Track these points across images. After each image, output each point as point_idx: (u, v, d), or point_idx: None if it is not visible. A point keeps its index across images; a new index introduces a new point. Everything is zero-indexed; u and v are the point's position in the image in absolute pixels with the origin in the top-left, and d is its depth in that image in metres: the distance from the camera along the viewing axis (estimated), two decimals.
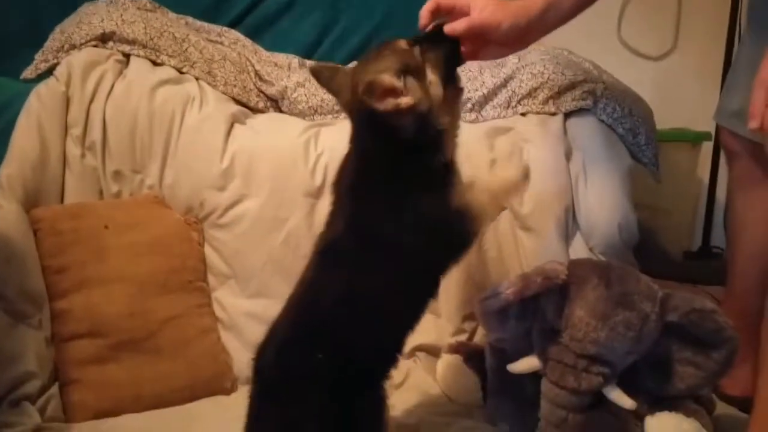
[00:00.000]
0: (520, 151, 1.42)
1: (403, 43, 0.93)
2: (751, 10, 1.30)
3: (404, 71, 0.88)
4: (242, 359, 1.24)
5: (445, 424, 1.15)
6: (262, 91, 1.55)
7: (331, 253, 0.93)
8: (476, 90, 1.51)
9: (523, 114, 1.50)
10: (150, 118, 1.38)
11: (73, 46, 1.42)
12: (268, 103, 1.56)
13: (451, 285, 1.39)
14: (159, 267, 1.28)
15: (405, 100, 0.86)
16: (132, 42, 1.44)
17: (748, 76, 1.02)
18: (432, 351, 1.36)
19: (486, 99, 1.51)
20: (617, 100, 1.46)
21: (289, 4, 1.73)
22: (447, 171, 0.92)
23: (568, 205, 1.41)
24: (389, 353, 0.95)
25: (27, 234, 1.22)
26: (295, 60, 1.64)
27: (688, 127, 2.03)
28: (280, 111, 1.56)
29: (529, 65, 1.50)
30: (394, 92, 0.86)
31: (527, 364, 1.07)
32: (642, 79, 1.76)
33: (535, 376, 1.07)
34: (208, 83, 1.47)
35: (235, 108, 1.46)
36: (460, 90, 1.00)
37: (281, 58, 1.63)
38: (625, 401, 1.01)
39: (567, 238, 1.41)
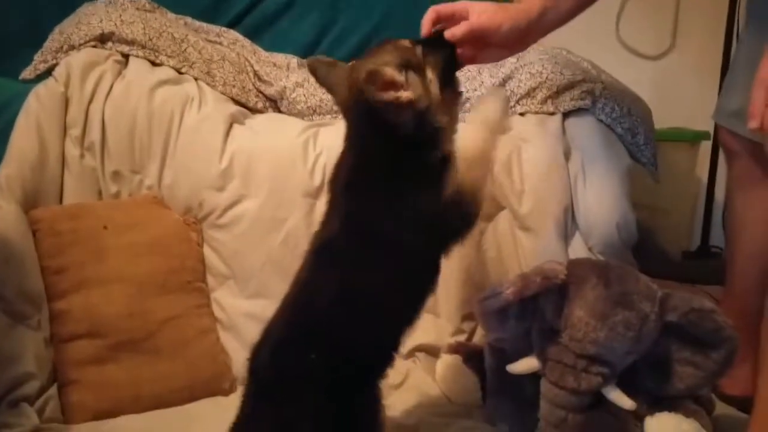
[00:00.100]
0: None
1: (405, 42, 0.93)
2: (750, 9, 1.30)
3: (406, 66, 0.88)
4: (241, 360, 1.22)
5: (444, 424, 1.15)
6: (261, 92, 1.55)
7: (326, 252, 0.93)
8: (475, 90, 1.51)
9: (521, 114, 1.50)
10: (149, 119, 1.38)
11: (72, 47, 1.41)
12: (267, 104, 1.56)
13: (450, 285, 1.39)
14: (158, 267, 1.28)
15: (405, 94, 0.86)
16: (131, 42, 1.44)
17: (747, 76, 1.02)
18: (431, 351, 1.36)
19: None
20: (616, 99, 1.46)
21: (288, 4, 1.73)
22: (443, 165, 0.91)
23: (567, 205, 1.41)
24: (386, 352, 0.95)
25: (26, 234, 1.22)
26: (293, 60, 1.64)
27: (686, 127, 2.03)
28: (279, 111, 1.56)
29: (528, 65, 1.50)
30: (394, 85, 0.86)
31: (527, 364, 1.07)
32: (640, 79, 1.76)
33: (534, 377, 1.07)
34: (207, 83, 1.47)
35: (234, 108, 1.46)
36: (459, 93, 1.00)
37: (280, 58, 1.63)
38: (625, 401, 1.01)
39: (566, 237, 1.41)
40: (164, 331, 1.24)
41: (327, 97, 1.49)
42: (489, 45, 1.02)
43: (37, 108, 1.34)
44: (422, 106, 0.89)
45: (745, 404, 1.12)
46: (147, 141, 1.38)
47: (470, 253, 1.40)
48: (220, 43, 1.59)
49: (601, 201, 1.39)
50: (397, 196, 0.89)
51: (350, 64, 0.97)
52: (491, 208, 1.44)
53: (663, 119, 1.76)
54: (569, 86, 1.47)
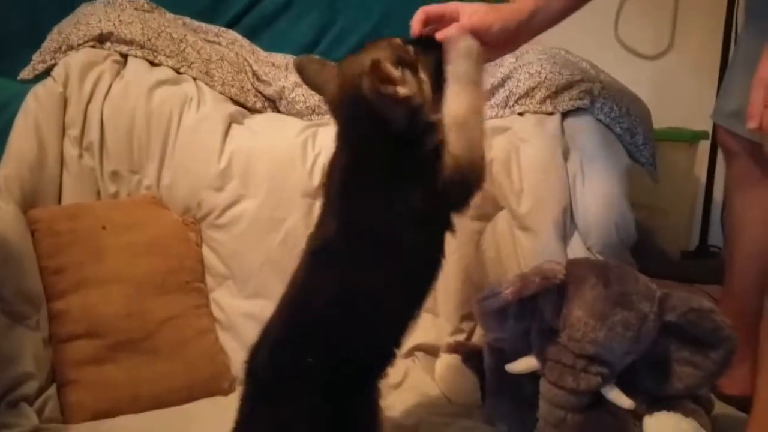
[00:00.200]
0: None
1: (398, 40, 0.93)
2: (749, 9, 1.30)
3: (400, 63, 0.88)
4: (240, 360, 1.21)
5: (443, 424, 1.15)
6: (259, 92, 1.55)
7: (324, 253, 0.92)
8: None
9: (520, 114, 1.50)
10: (147, 119, 1.38)
11: (71, 47, 1.41)
12: (266, 103, 1.56)
13: (449, 285, 1.39)
14: (157, 267, 1.28)
15: (403, 90, 0.86)
16: (129, 42, 1.44)
17: (745, 75, 1.02)
18: (430, 351, 1.36)
19: None
20: (614, 99, 1.46)
21: (286, 4, 1.73)
22: (436, 154, 0.89)
23: (566, 205, 1.41)
24: (386, 352, 0.94)
25: (24, 235, 1.22)
26: (292, 60, 1.64)
27: (685, 127, 2.03)
28: (278, 111, 1.56)
29: (527, 65, 1.50)
30: (392, 80, 0.85)
31: (526, 364, 1.07)
32: (639, 79, 1.76)
33: (533, 376, 1.07)
34: (206, 83, 1.47)
35: (233, 108, 1.46)
36: None
37: (279, 58, 1.63)
38: (624, 401, 1.01)
39: (565, 237, 1.41)
40: (163, 332, 1.24)
41: None
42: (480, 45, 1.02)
43: (35, 108, 1.34)
44: (416, 103, 0.88)
45: (743, 404, 1.12)
46: (145, 141, 1.38)
47: (469, 253, 1.40)
48: (219, 43, 1.59)
49: (600, 201, 1.39)
50: (393, 193, 0.88)
51: (339, 62, 0.96)
52: (490, 208, 1.44)
53: (662, 119, 1.76)
54: (568, 86, 1.47)
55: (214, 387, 1.26)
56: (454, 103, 0.91)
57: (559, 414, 1.02)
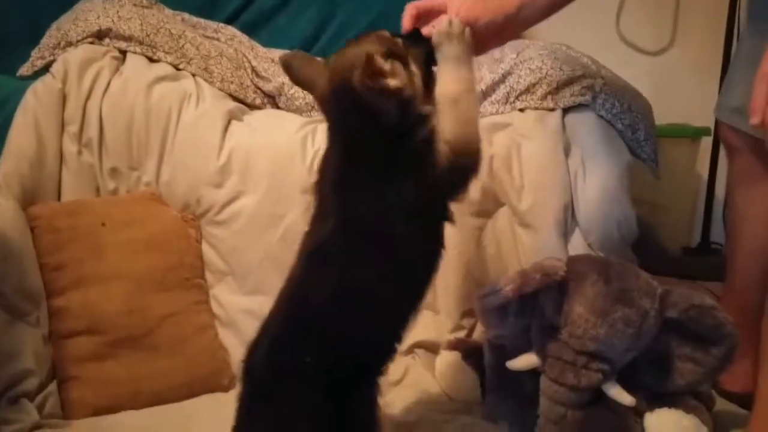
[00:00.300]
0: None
1: (386, 33, 0.92)
2: (751, 4, 1.29)
3: (390, 55, 0.87)
4: (240, 356, 1.22)
5: (443, 421, 1.15)
6: (259, 88, 1.54)
7: (320, 250, 0.91)
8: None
9: (521, 110, 1.49)
10: (147, 115, 1.38)
11: (70, 43, 1.41)
12: (265, 100, 1.55)
13: (450, 282, 1.39)
14: (156, 264, 1.28)
15: (393, 82, 0.85)
16: (128, 39, 1.44)
17: (748, 71, 1.02)
18: (431, 348, 1.36)
19: (484, 95, 1.51)
20: (616, 95, 1.46)
21: (285, 0, 1.72)
22: (428, 146, 0.88)
23: (567, 202, 1.41)
24: (386, 348, 0.94)
25: (24, 231, 1.22)
26: (278, 58, 1.63)
27: (687, 123, 2.03)
28: (277, 107, 1.56)
29: (528, 61, 1.50)
30: (383, 73, 0.85)
31: (526, 361, 1.07)
32: (641, 74, 1.76)
33: (534, 373, 1.07)
34: (205, 80, 1.47)
35: (232, 104, 1.46)
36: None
37: (278, 54, 1.62)
38: (625, 398, 1.01)
39: (566, 234, 1.41)
40: (163, 328, 1.24)
41: None
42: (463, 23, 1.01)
43: (34, 104, 1.34)
44: (407, 95, 0.87)
45: (745, 400, 1.12)
46: (145, 137, 1.38)
47: (470, 250, 1.40)
48: (218, 39, 1.59)
49: (601, 197, 1.39)
50: (386, 185, 0.88)
51: (327, 57, 0.95)
52: (490, 204, 1.44)
53: (663, 115, 1.76)
54: (569, 82, 1.47)
55: (214, 383, 1.26)
56: (445, 83, 0.91)
57: (559, 411, 1.02)
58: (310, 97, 1.52)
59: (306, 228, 0.96)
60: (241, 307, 1.34)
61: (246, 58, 1.55)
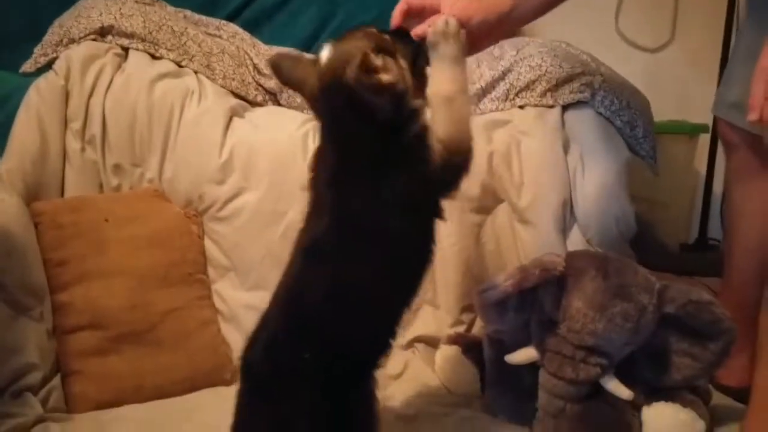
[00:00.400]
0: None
1: (374, 29, 0.92)
2: (750, 2, 1.30)
3: (380, 50, 0.87)
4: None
5: (443, 414, 1.16)
6: (260, 85, 1.55)
7: (315, 248, 0.91)
8: (474, 83, 1.51)
9: (521, 107, 1.50)
10: (149, 112, 1.39)
11: (72, 40, 1.42)
12: (267, 97, 1.56)
13: (449, 277, 1.39)
14: (159, 260, 1.29)
15: (386, 77, 0.85)
16: (130, 36, 1.44)
17: (746, 67, 1.02)
18: (431, 342, 1.37)
19: (484, 92, 1.51)
20: (615, 92, 1.47)
21: None
22: (420, 140, 0.88)
23: (566, 198, 1.42)
24: (381, 344, 0.94)
25: (28, 227, 1.23)
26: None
27: (685, 120, 2.03)
28: (279, 104, 1.56)
29: (527, 58, 1.50)
30: (374, 69, 0.84)
31: (525, 355, 1.08)
32: (639, 71, 1.76)
33: (533, 367, 1.08)
34: (207, 77, 1.47)
35: (234, 101, 1.47)
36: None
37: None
38: (623, 391, 1.02)
39: (564, 230, 1.42)
40: (166, 323, 1.25)
41: None
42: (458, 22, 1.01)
43: (37, 101, 1.34)
44: (400, 89, 0.87)
45: (741, 395, 1.13)
46: (147, 134, 1.39)
47: (469, 246, 1.41)
48: (220, 36, 1.59)
49: (600, 193, 1.39)
50: (380, 181, 0.87)
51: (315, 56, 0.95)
52: (490, 200, 1.45)
53: (662, 112, 1.76)
54: (568, 79, 1.47)
55: (216, 378, 1.27)
56: (439, 83, 0.91)
57: (558, 404, 1.03)
58: None
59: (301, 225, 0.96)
60: (243, 303, 1.35)
61: (248, 56, 1.56)
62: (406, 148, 0.88)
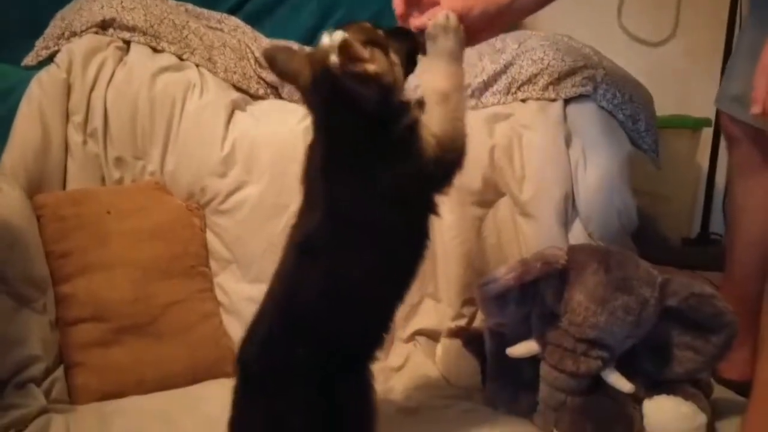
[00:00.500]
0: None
1: (367, 23, 0.92)
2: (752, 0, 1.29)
3: (370, 43, 0.87)
4: None
5: (444, 406, 1.17)
6: (262, 78, 1.55)
7: (308, 242, 0.91)
8: (476, 76, 1.50)
9: (523, 100, 1.50)
10: (151, 105, 1.39)
11: (74, 33, 1.41)
12: (268, 90, 1.56)
13: (451, 270, 1.40)
14: (161, 252, 1.29)
15: (372, 67, 0.85)
16: (132, 29, 1.44)
17: (749, 61, 1.02)
18: (432, 335, 1.37)
19: (486, 85, 1.51)
20: (617, 86, 1.46)
21: None
22: (411, 135, 0.88)
23: (568, 191, 1.42)
24: (376, 337, 0.95)
25: (30, 219, 1.23)
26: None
27: (688, 114, 2.03)
28: (280, 97, 1.56)
29: (529, 51, 1.50)
30: (359, 58, 0.84)
31: (526, 348, 1.08)
32: (642, 65, 1.76)
33: (533, 360, 1.08)
34: (209, 70, 1.47)
35: (236, 95, 1.47)
36: None
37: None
38: (624, 385, 1.02)
39: (566, 224, 1.42)
40: (168, 316, 1.25)
41: None
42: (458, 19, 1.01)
43: (39, 94, 1.34)
44: (387, 81, 0.87)
45: (742, 388, 1.13)
46: (149, 127, 1.39)
47: (471, 239, 1.41)
48: (221, 30, 1.59)
49: (602, 187, 1.39)
50: (370, 174, 0.87)
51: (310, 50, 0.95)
52: (492, 194, 1.45)
53: (664, 106, 1.76)
54: (570, 72, 1.47)
55: (217, 370, 1.27)
56: (435, 79, 0.91)
57: (559, 397, 1.04)
58: None
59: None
60: (245, 295, 1.35)
61: (249, 49, 1.56)
62: (396, 142, 0.88)
